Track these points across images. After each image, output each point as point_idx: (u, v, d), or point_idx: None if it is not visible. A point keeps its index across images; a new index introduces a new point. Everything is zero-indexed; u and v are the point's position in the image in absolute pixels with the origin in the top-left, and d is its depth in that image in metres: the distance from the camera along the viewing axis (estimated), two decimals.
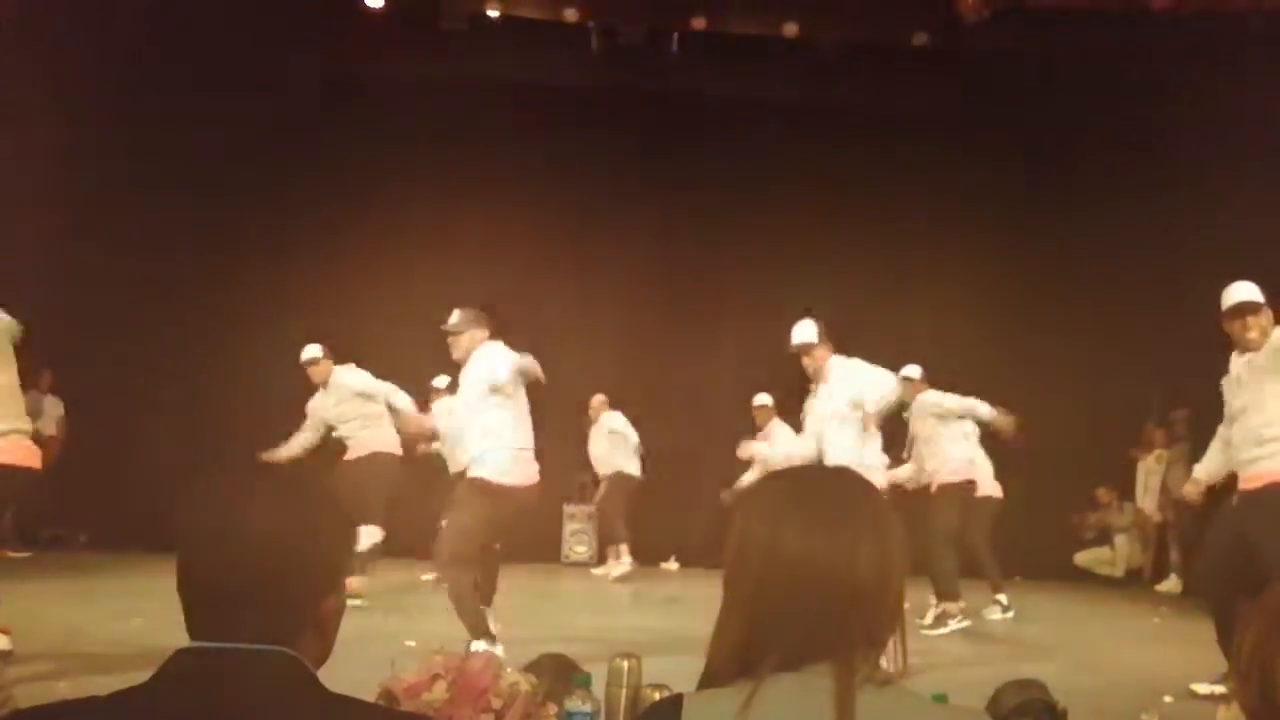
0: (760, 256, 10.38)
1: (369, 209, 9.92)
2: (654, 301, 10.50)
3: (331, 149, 9.75)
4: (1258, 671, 1.21)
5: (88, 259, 8.79)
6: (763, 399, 9.01)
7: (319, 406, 7.22)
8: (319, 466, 7.11)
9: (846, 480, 1.24)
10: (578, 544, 9.96)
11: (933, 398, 6.94)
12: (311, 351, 7.19)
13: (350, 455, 7.12)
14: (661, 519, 9.87)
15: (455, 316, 5.18)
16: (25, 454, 4.15)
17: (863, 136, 10.04)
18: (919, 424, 7.00)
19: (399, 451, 7.24)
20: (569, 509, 9.96)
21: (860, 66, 9.64)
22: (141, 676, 1.12)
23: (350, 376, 7.17)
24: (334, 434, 7.24)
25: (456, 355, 5.15)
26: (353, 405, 7.11)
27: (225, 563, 1.12)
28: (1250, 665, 1.22)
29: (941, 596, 6.58)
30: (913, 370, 6.90)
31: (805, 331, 5.61)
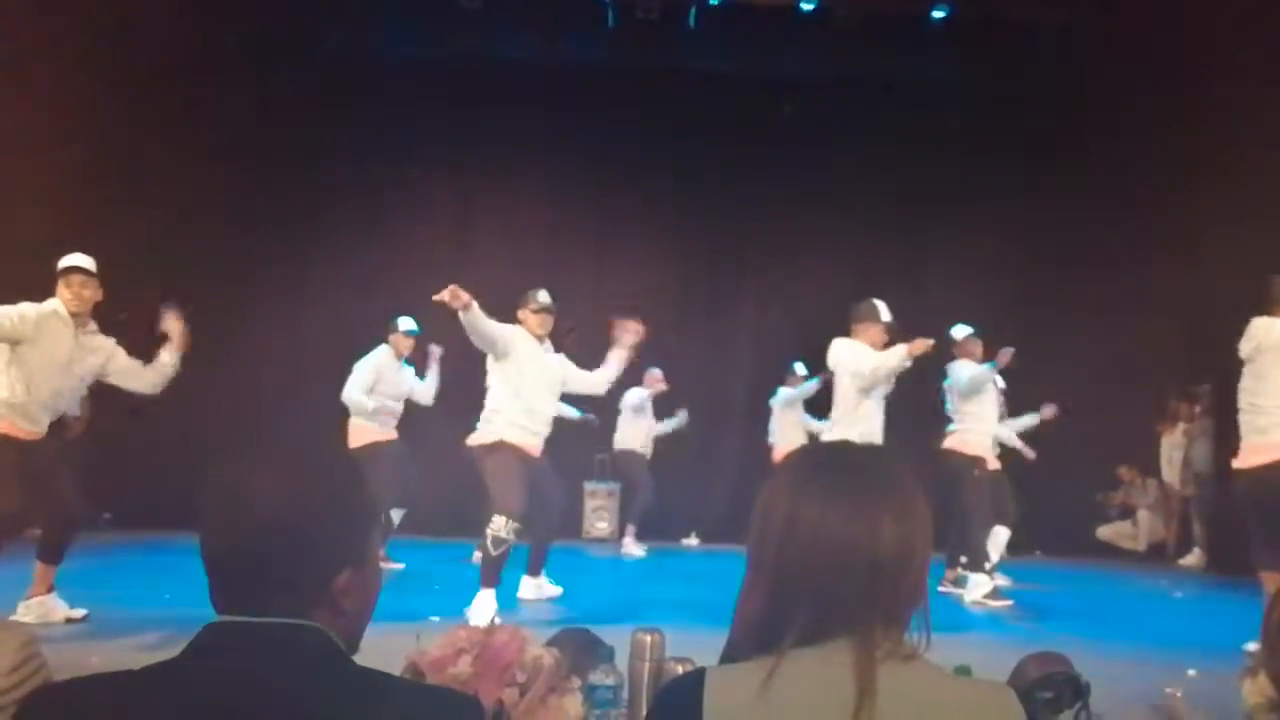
0: (778, 231, 10.33)
1: (385, 188, 9.94)
2: (672, 277, 10.47)
3: (348, 127, 9.75)
4: None
5: (103, 241, 8.82)
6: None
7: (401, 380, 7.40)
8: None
9: (872, 457, 1.24)
10: (599, 520, 10.02)
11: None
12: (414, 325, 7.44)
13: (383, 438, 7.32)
14: (682, 495, 9.90)
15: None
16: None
17: (881, 110, 9.95)
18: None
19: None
20: (590, 486, 10.01)
21: (879, 40, 9.55)
22: (170, 651, 1.13)
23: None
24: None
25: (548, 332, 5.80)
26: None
27: (235, 537, 1.14)
28: (1278, 636, 1.23)
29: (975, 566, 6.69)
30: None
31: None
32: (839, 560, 1.14)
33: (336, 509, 1.18)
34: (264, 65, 9.31)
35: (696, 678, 1.15)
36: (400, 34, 9.77)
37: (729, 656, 1.19)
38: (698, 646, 2.50)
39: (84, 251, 5.12)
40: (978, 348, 7.08)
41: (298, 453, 1.21)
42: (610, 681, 2.54)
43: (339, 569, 1.17)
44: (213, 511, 1.16)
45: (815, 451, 1.27)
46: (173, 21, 8.75)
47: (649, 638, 2.54)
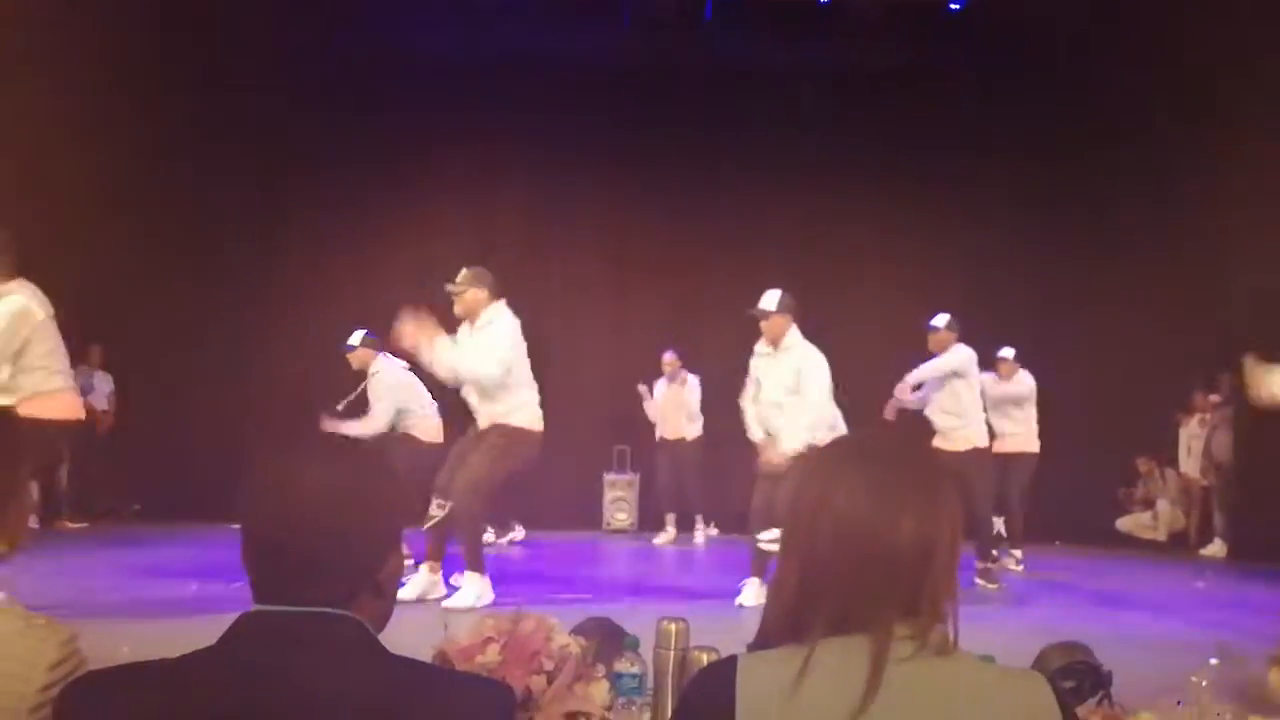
0: (798, 223, 10.29)
1: (402, 183, 9.96)
2: (690, 269, 10.46)
3: (364, 122, 9.78)
4: None
5: (131, 237, 8.90)
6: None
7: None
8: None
9: (903, 448, 1.24)
10: (619, 511, 10.05)
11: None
12: (352, 339, 7.14)
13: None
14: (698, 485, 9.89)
15: (461, 275, 5.65)
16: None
17: (899, 100, 9.90)
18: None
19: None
20: (609, 477, 10.02)
21: (896, 31, 9.51)
22: (198, 642, 1.14)
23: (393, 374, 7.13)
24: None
25: (459, 311, 5.61)
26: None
27: (286, 526, 1.15)
28: None
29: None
30: None
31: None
32: (861, 552, 1.14)
33: (385, 495, 1.21)
34: (274, 64, 9.31)
35: (730, 664, 1.16)
36: (413, 32, 9.77)
37: (761, 643, 1.20)
38: (721, 635, 2.51)
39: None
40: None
41: (343, 441, 1.25)
42: (635, 670, 2.56)
43: (385, 554, 1.20)
44: (262, 502, 1.17)
45: (848, 441, 1.28)
46: (186, 14, 8.79)
47: (674, 626, 2.55)
